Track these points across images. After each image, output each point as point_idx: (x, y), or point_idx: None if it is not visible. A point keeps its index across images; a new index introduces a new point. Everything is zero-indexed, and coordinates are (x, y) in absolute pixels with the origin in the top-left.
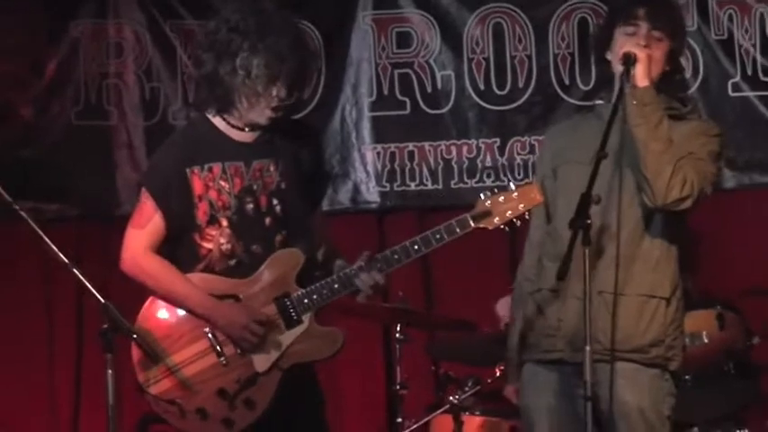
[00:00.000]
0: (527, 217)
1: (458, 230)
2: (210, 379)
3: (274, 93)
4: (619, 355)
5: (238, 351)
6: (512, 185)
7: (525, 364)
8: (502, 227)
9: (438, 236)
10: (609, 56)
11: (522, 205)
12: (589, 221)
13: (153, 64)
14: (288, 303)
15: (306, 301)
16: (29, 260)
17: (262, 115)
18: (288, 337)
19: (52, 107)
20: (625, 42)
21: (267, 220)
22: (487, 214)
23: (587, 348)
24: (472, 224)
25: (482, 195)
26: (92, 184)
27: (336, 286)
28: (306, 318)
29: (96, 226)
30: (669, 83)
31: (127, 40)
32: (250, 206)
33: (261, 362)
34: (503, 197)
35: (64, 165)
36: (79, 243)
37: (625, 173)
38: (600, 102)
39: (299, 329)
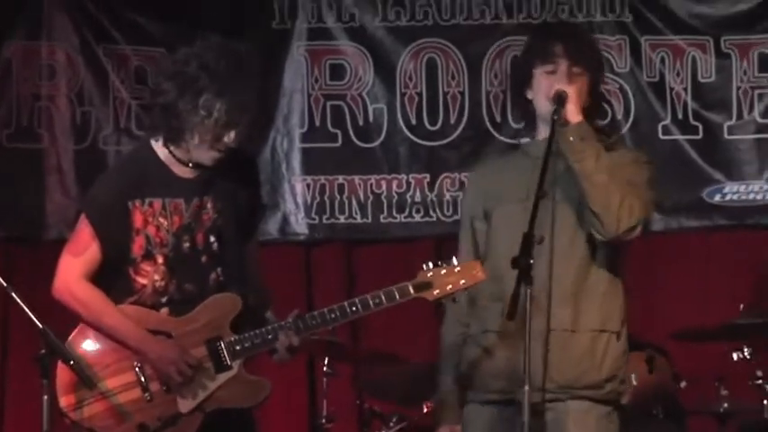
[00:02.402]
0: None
1: (397, 297)
2: (133, 412)
3: (226, 139)
4: (572, 392)
5: (164, 388)
6: (454, 260)
7: (469, 404)
8: (441, 301)
9: (377, 300)
10: (529, 94)
11: (463, 281)
12: (531, 261)
13: (85, 88)
14: (219, 347)
15: (237, 347)
16: None
17: (207, 155)
18: (215, 381)
19: None
20: (545, 81)
21: (203, 258)
22: (428, 285)
23: (526, 388)
24: (412, 293)
25: (424, 266)
26: (20, 206)
27: (270, 337)
28: (236, 364)
29: (24, 249)
30: (593, 115)
31: (59, 62)
32: (186, 245)
33: (185, 402)
34: (445, 270)
35: None
36: (5, 265)
37: (563, 210)
38: (525, 140)
39: (227, 374)
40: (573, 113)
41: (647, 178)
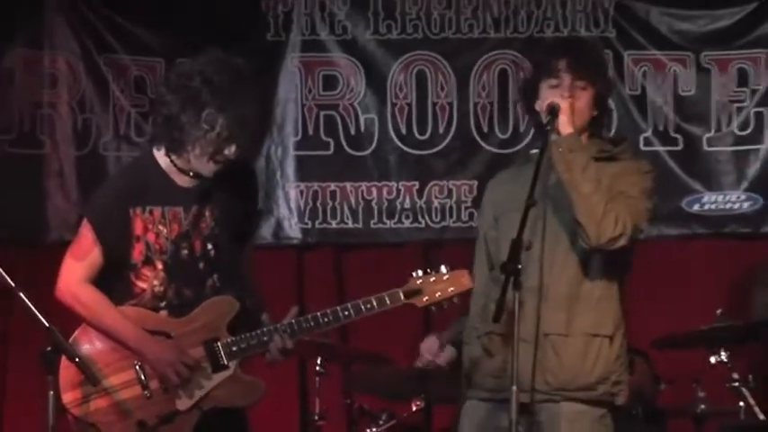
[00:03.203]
0: (455, 301)
1: (388, 303)
2: (132, 409)
3: (227, 151)
4: (564, 394)
5: (163, 387)
6: (443, 269)
7: (467, 401)
8: (430, 307)
9: (369, 305)
10: (537, 106)
11: (451, 288)
12: (519, 266)
13: (86, 95)
14: (216, 348)
15: (234, 348)
16: None
17: (207, 167)
18: (212, 380)
19: None
20: (549, 94)
21: (201, 265)
22: (418, 292)
23: (513, 388)
24: (402, 299)
25: (414, 274)
26: (22, 210)
27: (265, 339)
28: (232, 364)
29: (25, 251)
30: (599, 126)
31: (61, 71)
32: (185, 251)
33: (183, 400)
34: (434, 278)
35: None
36: (6, 267)
37: (560, 217)
38: (535, 150)
39: (224, 374)
40: (564, 125)
41: (644, 188)
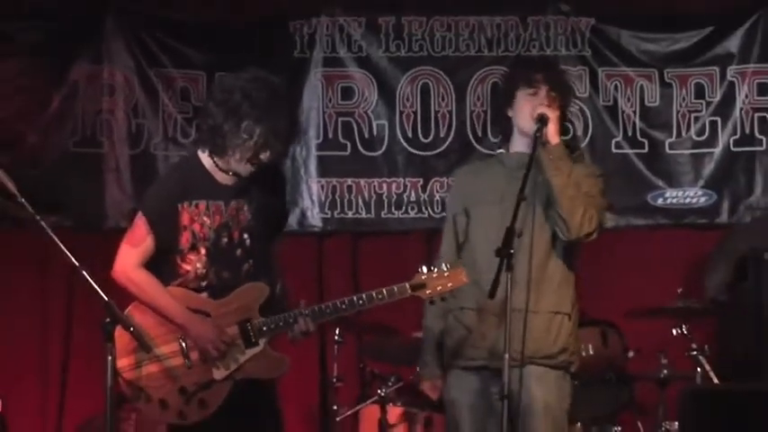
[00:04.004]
0: (453, 294)
1: (397, 294)
2: (175, 377)
3: (262, 156)
4: (531, 360)
5: (202, 359)
6: (444, 266)
7: (451, 370)
8: (431, 299)
9: (380, 296)
10: (510, 113)
11: (450, 284)
12: (512, 251)
13: (139, 103)
14: (249, 327)
15: (264, 328)
16: (27, 259)
17: (245, 169)
18: (245, 355)
19: (54, 136)
20: (527, 102)
21: (238, 252)
22: (423, 286)
23: (506, 356)
24: (409, 292)
25: (419, 270)
26: (84, 201)
27: (291, 321)
28: (262, 342)
29: (86, 236)
30: (560, 132)
31: (118, 82)
32: (225, 239)
33: (219, 371)
34: (436, 274)
35: (61, 184)
36: (70, 250)
37: (536, 211)
38: (501, 151)
39: (254, 350)
40: (553, 135)
41: (601, 189)
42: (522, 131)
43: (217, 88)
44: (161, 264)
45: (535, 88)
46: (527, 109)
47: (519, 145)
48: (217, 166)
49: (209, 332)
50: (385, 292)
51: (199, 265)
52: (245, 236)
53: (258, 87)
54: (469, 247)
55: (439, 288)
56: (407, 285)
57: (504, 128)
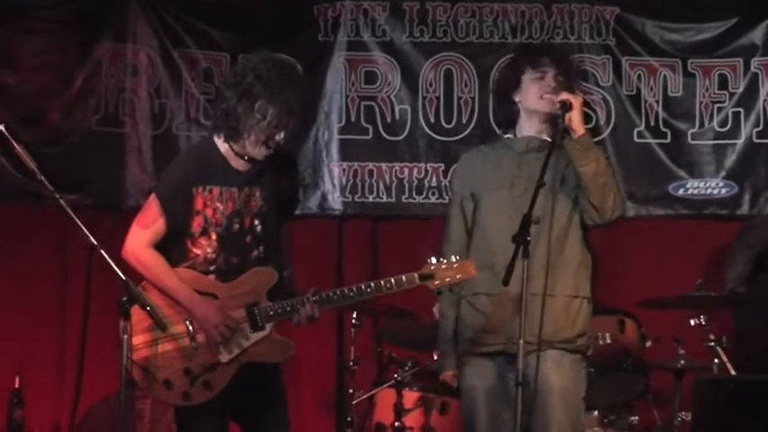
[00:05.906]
0: (461, 286)
1: (405, 284)
2: (180, 358)
3: (277, 137)
4: (549, 344)
5: (208, 341)
6: (453, 258)
7: (467, 357)
8: (438, 290)
9: (388, 285)
10: (516, 97)
11: (459, 275)
12: (529, 238)
13: (162, 83)
14: (256, 311)
15: (271, 312)
16: (47, 236)
17: (259, 151)
18: (250, 339)
19: (77, 114)
20: (534, 85)
21: (248, 238)
22: (431, 276)
23: (521, 342)
24: (417, 281)
25: (428, 260)
26: (105, 179)
27: (298, 306)
28: (268, 326)
29: (106, 215)
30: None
31: (141, 62)
32: (236, 226)
33: (224, 354)
34: (445, 265)
35: (83, 162)
36: (90, 228)
37: (557, 198)
38: (508, 136)
39: (260, 334)
40: (578, 125)
41: (613, 170)
42: (532, 112)
43: (229, 73)
44: (171, 246)
45: (542, 72)
46: (534, 90)
47: (527, 129)
48: (232, 150)
49: (215, 316)
50: (393, 281)
51: (209, 249)
52: (257, 222)
53: (270, 68)
54: (480, 233)
55: (447, 279)
56: (416, 275)
57: (509, 113)
